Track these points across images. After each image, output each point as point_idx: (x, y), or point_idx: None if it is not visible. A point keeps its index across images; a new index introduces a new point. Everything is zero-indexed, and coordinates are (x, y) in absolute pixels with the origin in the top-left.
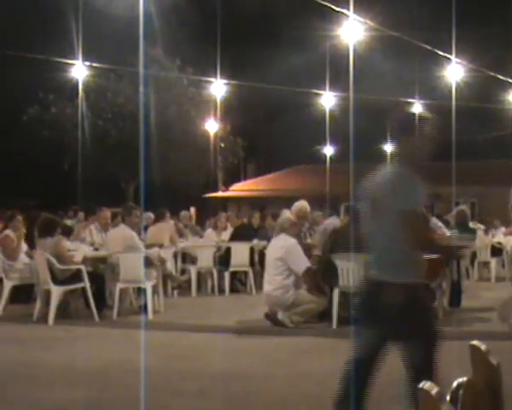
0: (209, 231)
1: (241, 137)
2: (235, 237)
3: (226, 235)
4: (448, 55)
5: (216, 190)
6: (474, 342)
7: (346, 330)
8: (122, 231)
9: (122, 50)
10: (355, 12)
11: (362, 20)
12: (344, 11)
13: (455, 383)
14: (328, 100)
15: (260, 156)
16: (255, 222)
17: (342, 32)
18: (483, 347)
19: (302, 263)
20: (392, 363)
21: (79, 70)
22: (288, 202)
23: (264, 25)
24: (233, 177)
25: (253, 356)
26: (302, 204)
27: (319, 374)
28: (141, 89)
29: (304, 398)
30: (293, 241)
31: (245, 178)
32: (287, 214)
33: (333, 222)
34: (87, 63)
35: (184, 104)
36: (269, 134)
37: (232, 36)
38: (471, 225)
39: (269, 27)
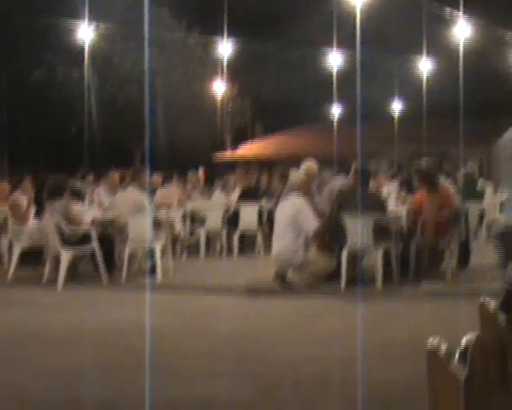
0: (217, 193)
1: (249, 97)
2: (243, 198)
3: (235, 196)
4: (456, 12)
5: (224, 151)
6: (482, 300)
7: (354, 290)
8: (131, 194)
9: (128, 12)
10: None
11: None
12: None
13: (463, 341)
14: (335, 59)
15: (268, 117)
16: (263, 183)
17: None
18: (491, 304)
19: (312, 222)
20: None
21: (85, 32)
22: (296, 162)
23: None
24: (241, 138)
25: (262, 317)
26: (310, 164)
27: (328, 335)
28: (147, 50)
29: (313, 359)
30: (302, 200)
31: (253, 139)
32: (296, 174)
33: (340, 182)
34: (93, 25)
35: (191, 65)
36: (276, 94)
37: None
38: (480, 183)
39: None
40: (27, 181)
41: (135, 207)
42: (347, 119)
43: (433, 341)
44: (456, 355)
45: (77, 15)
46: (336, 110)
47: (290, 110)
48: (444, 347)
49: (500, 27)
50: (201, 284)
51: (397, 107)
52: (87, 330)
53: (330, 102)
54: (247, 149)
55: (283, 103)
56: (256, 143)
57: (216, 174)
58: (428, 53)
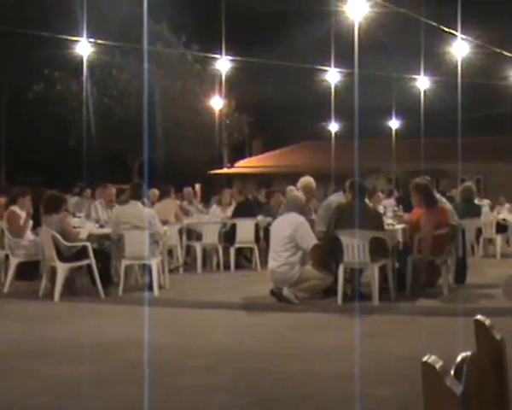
0: (214, 208)
1: (247, 113)
2: (239, 213)
3: (231, 211)
4: (453, 32)
5: (221, 166)
6: (479, 317)
7: (352, 306)
8: (134, 207)
9: (127, 27)
10: None
11: None
12: None
13: (459, 358)
14: (333, 76)
15: (266, 133)
16: (261, 198)
17: (348, 9)
18: (487, 322)
19: (309, 239)
20: None
21: (84, 47)
22: (293, 178)
23: (270, 2)
24: (238, 153)
25: (259, 333)
26: (307, 180)
27: (325, 351)
28: (145, 65)
29: (309, 374)
30: (302, 218)
31: (250, 155)
32: (294, 190)
33: (337, 198)
34: (92, 40)
35: (189, 81)
36: (274, 110)
37: (238, 12)
38: (476, 201)
39: (275, 4)
40: (27, 196)
41: (140, 221)
42: (345, 135)
43: (429, 356)
44: (452, 371)
45: (75, 30)
46: (334, 127)
47: (288, 126)
48: (440, 362)
49: (497, 45)
50: (198, 298)
51: (394, 124)
52: (83, 343)
53: (328, 118)
54: (245, 165)
55: (281, 119)
56: (253, 158)
57: (213, 189)
58: (426, 70)
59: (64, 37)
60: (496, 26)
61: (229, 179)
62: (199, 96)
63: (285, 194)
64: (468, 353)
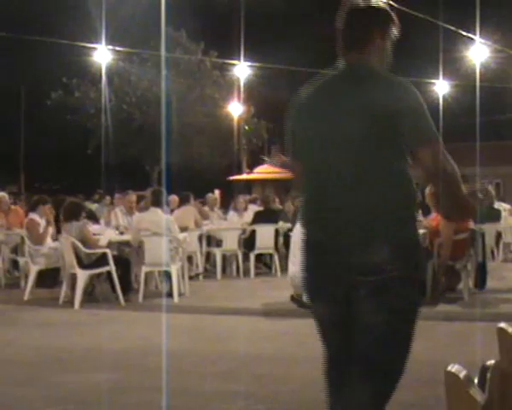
0: (231, 214)
1: (265, 119)
2: (258, 219)
3: (248, 216)
4: (472, 36)
5: (240, 172)
6: (502, 325)
7: None
8: (154, 214)
9: (145, 34)
10: None
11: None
12: None
13: (482, 366)
14: None
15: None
16: (280, 204)
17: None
18: (510, 329)
19: None
20: None
21: (103, 54)
22: None
23: (288, 6)
24: (257, 159)
25: (279, 339)
26: None
27: None
28: (163, 72)
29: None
30: None
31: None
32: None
33: None
34: (110, 47)
35: (208, 87)
36: None
37: (256, 17)
38: (496, 205)
39: (293, 9)
40: (47, 204)
41: (160, 228)
42: None
43: (452, 365)
44: (476, 379)
45: (94, 37)
46: None
47: None
48: (463, 371)
49: None
50: (218, 305)
51: None
52: (104, 350)
53: None
54: (264, 170)
55: None
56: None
57: (233, 195)
58: (445, 75)
59: (82, 44)
60: None
61: (249, 185)
62: (217, 103)
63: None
64: (492, 361)
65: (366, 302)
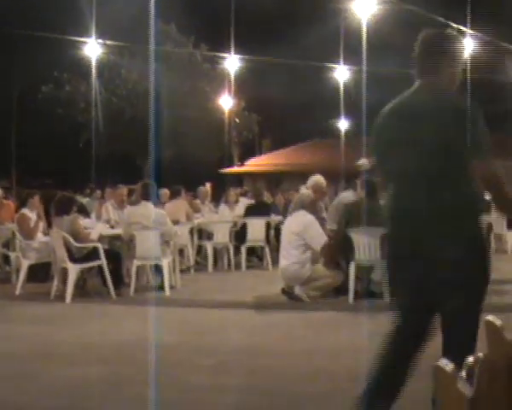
0: (222, 207)
1: (256, 112)
2: (250, 212)
3: (239, 209)
4: (462, 28)
5: (231, 165)
6: (489, 318)
7: (363, 304)
8: (145, 208)
9: (136, 27)
10: None
11: None
12: None
13: (470, 359)
14: (342, 73)
15: (275, 131)
16: (271, 197)
17: (356, 6)
18: (498, 322)
19: (319, 238)
20: None
21: (93, 48)
22: (303, 176)
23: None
24: (248, 152)
25: (271, 331)
26: (318, 179)
27: (336, 349)
28: (152, 65)
29: (320, 373)
30: (310, 217)
31: (260, 154)
32: (304, 189)
33: (348, 196)
34: (100, 41)
35: (198, 80)
36: (284, 109)
37: (246, 10)
38: (486, 197)
39: (283, 2)
40: (36, 196)
41: (150, 222)
42: (355, 132)
43: (441, 359)
44: (463, 373)
45: (84, 31)
46: (344, 124)
47: (298, 124)
48: (451, 365)
49: (506, 42)
50: (209, 298)
51: None
52: (96, 344)
53: (338, 115)
54: (255, 164)
55: (291, 117)
56: (264, 157)
57: (224, 188)
58: None
59: (73, 38)
60: (505, 23)
61: (240, 178)
62: (208, 96)
63: (294, 192)
64: (480, 354)
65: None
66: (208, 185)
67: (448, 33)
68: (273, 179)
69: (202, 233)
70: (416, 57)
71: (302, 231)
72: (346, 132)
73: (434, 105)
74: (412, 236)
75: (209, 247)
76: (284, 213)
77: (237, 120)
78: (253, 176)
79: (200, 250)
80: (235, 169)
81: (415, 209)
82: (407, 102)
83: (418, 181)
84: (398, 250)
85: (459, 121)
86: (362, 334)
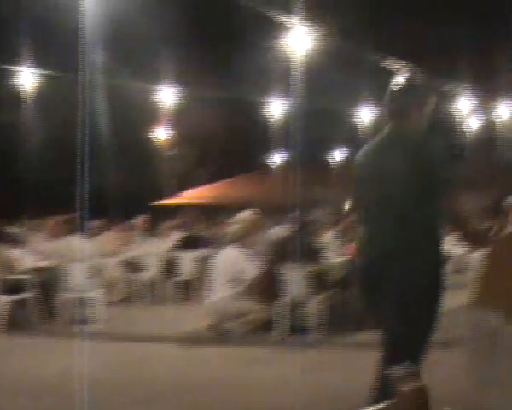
0: (153, 239)
1: (192, 144)
2: (182, 245)
3: (170, 242)
4: (398, 65)
5: (166, 197)
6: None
7: (291, 339)
8: (74, 240)
9: (69, 56)
10: (306, 21)
11: (313, 28)
12: (292, 21)
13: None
14: (277, 108)
15: (211, 164)
16: (203, 230)
17: (290, 42)
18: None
19: (249, 273)
20: None
21: (26, 77)
22: (238, 209)
23: (211, 35)
24: (183, 184)
25: (199, 366)
26: (250, 213)
27: (265, 383)
28: (86, 96)
29: (248, 407)
30: (239, 250)
31: (195, 186)
32: (235, 223)
33: (278, 231)
34: (33, 70)
35: (133, 111)
36: (219, 141)
37: (181, 43)
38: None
39: (216, 38)
40: None
41: (80, 254)
42: (291, 166)
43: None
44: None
45: (18, 61)
46: (280, 157)
47: (232, 157)
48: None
49: (440, 78)
50: (138, 331)
51: (340, 154)
52: (21, 378)
53: (274, 149)
54: (189, 196)
55: (226, 150)
56: (198, 189)
57: (157, 220)
58: (372, 102)
59: (4, 67)
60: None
61: (174, 210)
62: (144, 127)
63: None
64: (388, 402)
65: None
66: (141, 218)
67: (415, 78)
68: (207, 212)
69: (133, 266)
70: (385, 101)
71: (231, 265)
72: (283, 166)
73: (403, 147)
74: (380, 263)
75: (139, 280)
76: (217, 246)
77: (172, 152)
78: (187, 208)
79: (130, 283)
80: (171, 201)
81: (383, 239)
82: (379, 144)
83: (388, 216)
84: (368, 278)
85: (425, 161)
86: (289, 369)
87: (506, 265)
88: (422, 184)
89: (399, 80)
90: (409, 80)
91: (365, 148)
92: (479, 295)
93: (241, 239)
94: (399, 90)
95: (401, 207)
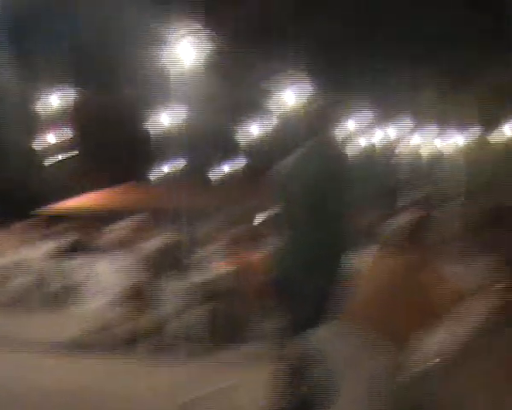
0: (25, 247)
1: (74, 150)
2: (63, 253)
3: (47, 249)
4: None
5: (46, 205)
6: None
7: (158, 353)
8: None
9: None
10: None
11: (203, 38)
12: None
13: None
14: (163, 117)
15: (93, 172)
16: (86, 237)
17: (179, 51)
18: None
19: (123, 283)
20: None
21: None
22: (120, 218)
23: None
24: (66, 192)
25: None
26: (132, 222)
27: (129, 395)
28: None
29: None
30: (118, 260)
31: (79, 194)
32: (116, 232)
33: (158, 241)
34: None
35: (13, 117)
36: (104, 148)
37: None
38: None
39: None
40: None
41: None
42: (177, 178)
43: None
44: None
45: None
46: (167, 168)
47: (116, 165)
48: None
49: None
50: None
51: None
52: None
53: (162, 159)
54: (72, 204)
55: (109, 158)
56: (82, 197)
57: (40, 227)
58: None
59: None
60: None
61: (56, 218)
62: (25, 133)
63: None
64: None
65: None
66: (20, 225)
67: (329, 103)
68: (96, 218)
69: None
70: (306, 120)
71: (104, 274)
72: (165, 175)
73: (318, 162)
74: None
75: (11, 287)
76: (99, 253)
77: (54, 158)
78: (69, 216)
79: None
80: (51, 209)
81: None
82: (297, 158)
83: (305, 225)
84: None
85: (336, 176)
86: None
87: (378, 282)
88: (330, 200)
89: (313, 101)
90: (320, 102)
91: (288, 158)
92: (349, 309)
93: (119, 248)
94: (314, 109)
95: (314, 222)
